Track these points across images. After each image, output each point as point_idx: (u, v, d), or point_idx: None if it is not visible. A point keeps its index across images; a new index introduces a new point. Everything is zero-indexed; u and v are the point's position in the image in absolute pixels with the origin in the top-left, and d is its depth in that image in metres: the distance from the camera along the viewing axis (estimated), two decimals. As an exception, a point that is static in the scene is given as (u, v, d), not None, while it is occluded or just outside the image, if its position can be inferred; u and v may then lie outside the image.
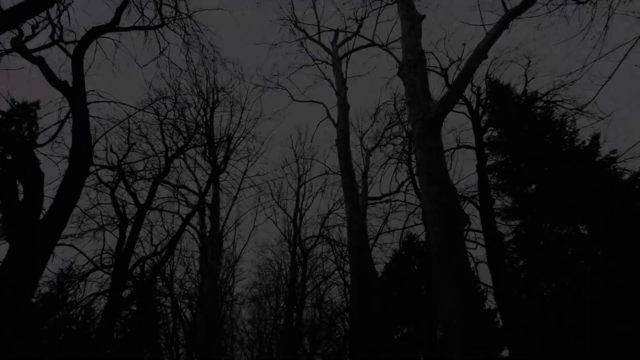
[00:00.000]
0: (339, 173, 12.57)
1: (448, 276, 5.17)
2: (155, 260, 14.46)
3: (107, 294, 10.23)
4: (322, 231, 23.78)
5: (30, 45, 8.84)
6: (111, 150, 12.61)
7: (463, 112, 14.60)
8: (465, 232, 13.79)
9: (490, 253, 11.19)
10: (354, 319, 9.20)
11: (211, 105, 17.63)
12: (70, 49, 8.66)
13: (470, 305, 4.98)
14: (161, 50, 9.11)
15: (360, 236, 10.10)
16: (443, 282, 5.19)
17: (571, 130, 14.84)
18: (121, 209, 11.81)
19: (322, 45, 14.59)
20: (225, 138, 15.70)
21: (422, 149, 6.42)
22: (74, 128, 6.94)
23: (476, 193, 13.45)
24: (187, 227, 20.60)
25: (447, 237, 5.41)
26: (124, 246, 10.66)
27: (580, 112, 12.65)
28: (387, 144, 18.37)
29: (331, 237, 23.88)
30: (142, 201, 12.36)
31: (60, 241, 12.49)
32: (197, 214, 20.07)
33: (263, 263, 30.42)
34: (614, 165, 13.80)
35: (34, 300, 17.82)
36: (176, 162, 18.74)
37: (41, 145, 8.50)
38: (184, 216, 14.65)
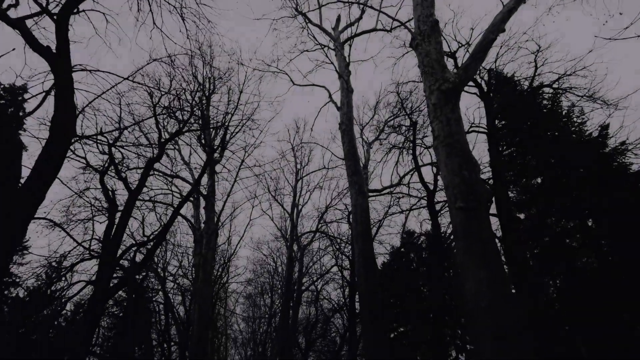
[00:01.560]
0: (342, 158, 12.05)
1: (473, 254, 4.64)
2: (146, 248, 13.78)
3: (94, 284, 9.57)
4: (319, 226, 23.23)
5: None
6: (101, 134, 11.94)
7: (475, 93, 14.19)
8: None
9: (507, 238, 10.64)
10: (359, 309, 8.65)
11: (207, 94, 16.97)
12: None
13: (499, 285, 4.44)
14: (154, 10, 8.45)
15: (364, 221, 9.60)
16: (468, 261, 4.65)
17: (579, 120, 14.41)
18: (111, 194, 11.16)
19: (324, 30, 14.01)
20: (222, 122, 15.02)
21: (440, 120, 5.89)
22: (56, 96, 6.33)
23: (490, 177, 12.95)
24: (182, 221, 19.91)
25: (471, 212, 4.87)
26: (112, 233, 10.00)
27: (592, 99, 12.16)
28: (389, 134, 17.85)
29: (329, 233, 23.36)
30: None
31: (48, 224, 11.86)
32: (192, 207, 19.39)
33: (258, 260, 29.86)
34: (623, 157, 13.38)
35: (21, 295, 17.11)
36: (170, 153, 18.11)
37: (25, 116, 7.87)
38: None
